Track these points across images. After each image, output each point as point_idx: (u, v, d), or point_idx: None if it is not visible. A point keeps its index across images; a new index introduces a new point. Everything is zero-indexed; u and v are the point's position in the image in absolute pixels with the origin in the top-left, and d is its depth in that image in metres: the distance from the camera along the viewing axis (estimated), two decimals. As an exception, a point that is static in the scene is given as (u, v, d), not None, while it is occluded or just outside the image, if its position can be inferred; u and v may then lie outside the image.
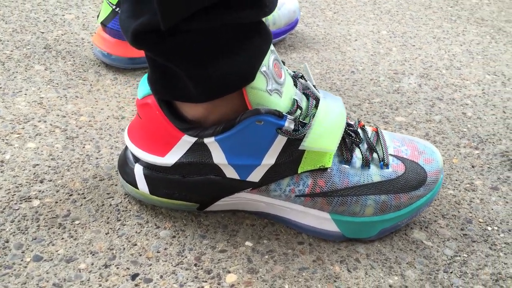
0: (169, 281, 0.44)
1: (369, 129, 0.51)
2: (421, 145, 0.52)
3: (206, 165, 0.47)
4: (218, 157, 0.46)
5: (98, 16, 0.71)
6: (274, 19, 0.80)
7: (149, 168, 0.49)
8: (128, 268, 0.45)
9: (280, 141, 0.45)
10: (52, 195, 0.51)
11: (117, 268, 0.45)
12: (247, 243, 0.49)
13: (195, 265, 0.46)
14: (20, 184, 0.52)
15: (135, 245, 0.47)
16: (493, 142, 0.66)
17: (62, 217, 0.49)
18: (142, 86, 0.48)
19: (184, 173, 0.48)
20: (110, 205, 0.51)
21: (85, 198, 0.52)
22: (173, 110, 0.46)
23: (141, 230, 0.49)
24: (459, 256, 0.49)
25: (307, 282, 0.45)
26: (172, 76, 0.44)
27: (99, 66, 0.73)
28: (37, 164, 0.55)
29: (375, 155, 0.49)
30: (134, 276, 0.44)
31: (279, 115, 0.44)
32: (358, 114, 0.68)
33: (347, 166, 0.48)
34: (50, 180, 0.53)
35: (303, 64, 0.56)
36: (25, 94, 0.66)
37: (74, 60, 0.74)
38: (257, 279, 0.45)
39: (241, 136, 0.44)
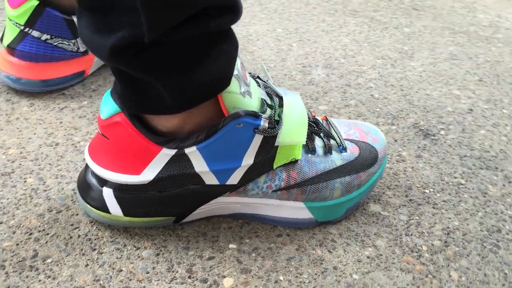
0: None
1: (319, 119, 0.55)
2: (365, 127, 0.57)
3: (186, 176, 0.46)
4: (199, 165, 0.46)
5: (1, 39, 0.66)
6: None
7: (121, 189, 0.47)
8: None
9: (257, 141, 0.46)
10: (10, 238, 0.47)
11: (115, 296, 0.43)
12: (231, 245, 0.49)
13: (189, 277, 0.45)
14: (-31, 232, 0.47)
15: (121, 270, 0.45)
16: (403, 117, 0.74)
17: (31, 259, 0.45)
18: (106, 105, 0.46)
19: (161, 187, 0.47)
20: (79, 236, 0.48)
21: (48, 234, 0.48)
22: (145, 125, 0.45)
23: (122, 255, 0.47)
24: (412, 219, 0.55)
25: (298, 269, 0.47)
26: (146, 90, 0.43)
27: (8, 93, 0.67)
28: (-19, 208, 0.50)
29: (332, 141, 0.53)
30: (136, 301, 0.43)
31: (256, 115, 0.45)
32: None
33: (313, 156, 0.51)
34: (1, 223, 0.48)
35: (260, 64, 0.57)
36: None
37: (-23, 91, 0.67)
38: (252, 277, 0.46)
39: (222, 141, 0.45)
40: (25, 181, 0.54)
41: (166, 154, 0.45)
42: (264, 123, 0.46)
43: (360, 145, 0.54)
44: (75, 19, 0.66)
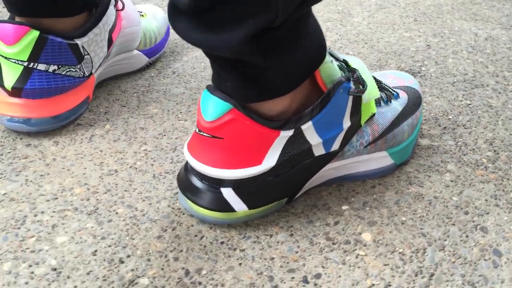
0: (333, 265, 0.46)
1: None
2: (395, 73, 0.63)
3: (301, 153, 0.48)
4: (313, 139, 0.48)
5: (0, 82, 0.60)
6: (158, 30, 0.79)
7: (239, 185, 0.48)
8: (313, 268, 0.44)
9: (350, 103, 0.50)
10: (150, 266, 0.45)
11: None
12: (343, 207, 0.52)
13: (333, 243, 0.48)
14: (104, 276, 0.44)
15: (273, 258, 0.47)
16: (386, 65, 0.81)
17: (186, 276, 0.45)
18: (210, 106, 0.45)
19: (278, 171, 0.48)
20: (211, 243, 0.48)
21: (181, 250, 0.47)
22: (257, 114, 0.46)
23: (262, 246, 0.48)
24: (458, 141, 0.63)
25: (410, 208, 0.52)
26: (258, 76, 0.44)
27: (20, 138, 0.62)
28: (95, 251, 0.47)
29: (386, 92, 0.58)
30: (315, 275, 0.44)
31: (348, 79, 0.49)
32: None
33: (380, 107, 0.55)
34: (129, 256, 0.46)
35: None
36: (-17, 198, 0.52)
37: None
38: (381, 225, 0.50)
39: (331, 109, 0.48)
40: (117, 213, 0.51)
41: (284, 136, 0.47)
42: (353, 85, 0.49)
43: (404, 89, 0.60)
44: (79, 42, 0.62)
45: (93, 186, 0.54)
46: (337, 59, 0.52)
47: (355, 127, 0.51)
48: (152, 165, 0.58)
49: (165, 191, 0.54)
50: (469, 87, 0.74)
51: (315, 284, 0.44)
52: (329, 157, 0.51)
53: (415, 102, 0.59)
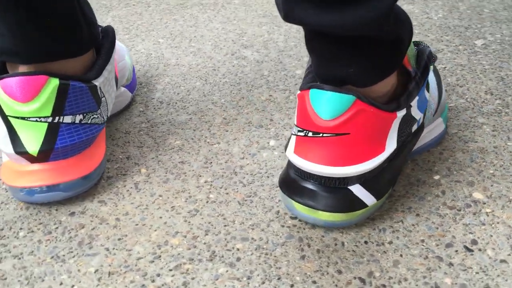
0: (476, 228, 0.47)
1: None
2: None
3: (409, 131, 0.49)
4: (417, 114, 0.49)
5: (20, 149, 0.49)
6: (130, 61, 0.72)
7: (364, 178, 0.46)
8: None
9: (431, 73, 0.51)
10: (334, 284, 0.42)
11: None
12: (436, 177, 0.54)
13: (458, 210, 0.49)
14: None
15: (423, 241, 0.46)
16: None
17: (361, 282, 0.42)
18: (331, 103, 0.43)
19: (391, 156, 0.48)
20: (364, 254, 0.46)
21: (348, 266, 0.44)
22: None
23: (415, 235, 0.47)
24: (468, 99, 0.68)
25: (490, 162, 0.56)
26: (383, 52, 0.44)
27: (56, 210, 0.51)
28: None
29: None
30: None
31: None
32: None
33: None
34: (293, 285, 0.42)
35: None
36: (71, 284, 0.43)
37: (27, 228, 0.49)
38: (479, 181, 0.53)
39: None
40: (238, 249, 0.46)
41: (399, 117, 0.46)
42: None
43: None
44: (97, 83, 0.53)
45: (187, 232, 0.48)
46: None
47: (425, 95, 0.53)
48: (227, 193, 0.53)
49: (265, 213, 0.50)
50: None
51: (480, 250, 0.45)
52: (420, 131, 0.52)
53: (434, 67, 0.63)
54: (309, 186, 0.46)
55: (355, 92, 0.43)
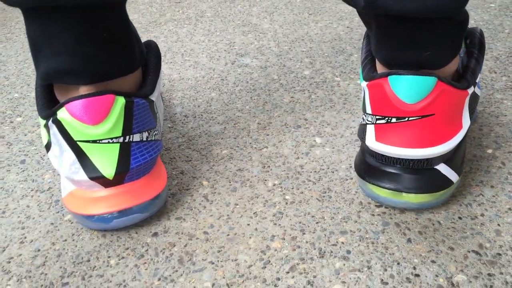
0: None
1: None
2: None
3: (475, 105, 0.51)
4: (478, 89, 0.52)
5: (94, 174, 0.46)
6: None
7: (448, 157, 0.48)
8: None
9: None
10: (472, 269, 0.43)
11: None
12: (489, 151, 0.57)
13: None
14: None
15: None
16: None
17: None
18: (414, 87, 0.44)
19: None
20: (466, 237, 0.47)
21: (439, 253, 0.45)
22: None
23: (499, 215, 0.49)
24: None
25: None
26: (456, 31, 0.46)
27: (136, 233, 0.49)
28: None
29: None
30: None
31: None
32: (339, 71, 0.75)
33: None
34: (429, 269, 0.43)
35: None
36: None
37: (113, 258, 0.46)
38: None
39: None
40: (343, 243, 0.46)
41: (469, 95, 0.49)
42: None
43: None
44: (153, 99, 0.52)
45: (283, 234, 0.47)
46: None
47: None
48: (302, 193, 0.53)
49: (349, 205, 0.50)
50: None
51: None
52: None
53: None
54: (395, 171, 0.47)
55: (434, 73, 0.45)
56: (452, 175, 0.48)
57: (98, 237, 0.48)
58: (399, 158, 0.47)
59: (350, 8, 1.05)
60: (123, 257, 0.46)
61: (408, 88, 0.44)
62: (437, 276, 0.42)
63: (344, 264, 0.43)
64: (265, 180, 0.55)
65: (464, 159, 0.51)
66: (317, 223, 0.48)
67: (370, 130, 0.48)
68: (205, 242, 0.47)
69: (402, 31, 0.45)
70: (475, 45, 0.51)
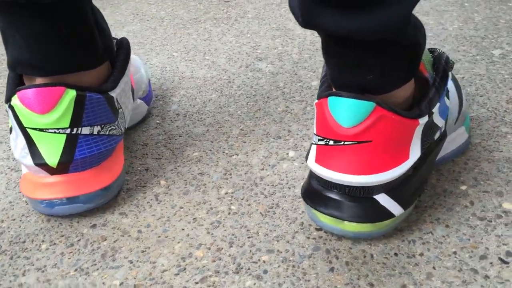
0: (509, 239, 0.46)
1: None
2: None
3: (432, 138, 0.48)
4: (439, 120, 0.48)
5: (38, 159, 0.48)
6: (146, 73, 0.71)
7: (390, 187, 0.45)
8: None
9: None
10: (354, 300, 0.40)
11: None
12: (463, 187, 0.53)
13: (488, 221, 0.48)
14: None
15: (455, 252, 0.45)
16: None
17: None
18: (351, 110, 0.42)
19: (416, 164, 0.47)
20: (394, 264, 0.44)
21: (368, 274, 0.43)
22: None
23: (442, 246, 0.46)
24: (489, 108, 0.67)
25: None
26: (404, 56, 0.43)
27: (77, 222, 0.50)
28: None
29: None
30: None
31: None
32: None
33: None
34: (322, 299, 0.41)
35: None
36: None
37: (49, 241, 0.48)
38: (509, 191, 0.51)
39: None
40: (264, 262, 0.44)
41: (421, 124, 0.45)
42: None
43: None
44: (113, 95, 0.53)
45: (211, 244, 0.47)
46: None
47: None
48: (249, 205, 0.52)
49: (288, 225, 0.49)
50: (450, 64, 0.80)
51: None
52: (443, 138, 0.51)
53: (452, 75, 0.62)
54: (334, 196, 0.45)
55: (375, 98, 0.43)
56: (394, 207, 0.45)
57: (43, 220, 0.51)
58: (335, 183, 0.45)
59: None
60: (54, 244, 0.48)
61: (344, 111, 0.42)
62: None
63: (255, 284, 0.42)
64: (220, 188, 0.54)
65: (419, 192, 0.48)
66: (249, 237, 0.47)
67: (313, 150, 0.46)
68: (135, 241, 0.47)
69: (344, 52, 0.43)
70: (439, 72, 0.48)
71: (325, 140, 0.44)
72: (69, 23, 0.48)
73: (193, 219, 0.50)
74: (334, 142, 0.44)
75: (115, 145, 0.53)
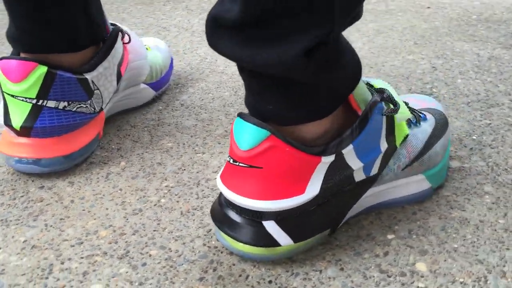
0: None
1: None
2: (415, 97, 0.62)
3: (344, 179, 0.46)
4: (354, 163, 0.46)
5: (6, 121, 0.55)
6: (164, 63, 0.76)
7: (282, 217, 0.45)
8: None
9: (384, 124, 0.47)
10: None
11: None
12: (389, 236, 0.50)
13: (388, 276, 0.45)
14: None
15: (326, 296, 0.43)
16: (397, 87, 0.80)
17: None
18: (245, 134, 0.42)
19: (320, 200, 0.46)
20: (258, 282, 0.44)
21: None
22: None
23: (313, 282, 0.45)
24: (489, 162, 0.61)
25: (458, 233, 0.50)
26: (302, 97, 0.42)
27: (32, 180, 0.57)
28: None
29: (413, 113, 0.56)
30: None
31: (381, 99, 0.47)
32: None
33: (412, 129, 0.53)
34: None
35: None
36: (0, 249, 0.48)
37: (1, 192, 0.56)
38: (433, 255, 0.47)
39: (370, 130, 0.46)
40: (150, 255, 0.47)
41: (325, 162, 0.44)
42: (386, 105, 0.47)
43: (429, 111, 0.58)
44: (88, 76, 0.58)
45: (119, 228, 0.50)
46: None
47: (392, 149, 0.49)
48: (177, 201, 0.54)
49: (197, 228, 0.50)
50: (485, 106, 0.74)
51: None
52: (370, 182, 0.49)
53: (442, 123, 0.57)
54: (231, 214, 0.46)
55: (273, 127, 0.42)
56: (283, 238, 0.45)
57: (9, 173, 0.58)
58: (230, 201, 0.46)
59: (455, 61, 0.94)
60: (2, 194, 0.55)
61: (242, 133, 0.43)
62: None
63: (127, 272, 0.45)
64: (165, 180, 0.58)
65: (322, 228, 0.47)
66: (154, 230, 0.50)
67: (224, 166, 0.47)
68: (62, 208, 0.53)
69: (248, 77, 0.43)
70: (361, 115, 0.46)
71: (230, 158, 0.45)
72: (55, 8, 0.54)
73: (122, 202, 0.54)
74: (233, 161, 0.44)
75: (83, 121, 0.58)
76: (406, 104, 0.55)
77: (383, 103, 0.47)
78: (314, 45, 0.37)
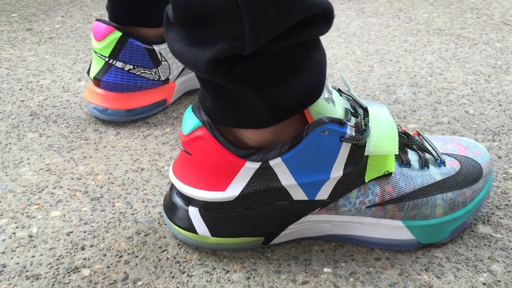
0: None
1: (410, 133, 0.51)
2: (463, 141, 0.53)
3: (272, 191, 0.44)
4: (286, 178, 0.43)
5: (88, 72, 0.67)
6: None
7: (207, 208, 0.45)
8: None
9: (345, 150, 0.43)
10: (101, 261, 0.46)
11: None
12: (325, 269, 0.46)
13: (283, 302, 0.42)
14: (60, 256, 0.47)
15: (211, 295, 0.43)
16: (505, 133, 0.68)
17: (121, 281, 0.44)
18: (188, 120, 0.44)
19: (248, 205, 0.45)
20: (167, 258, 0.46)
21: (137, 256, 0.47)
22: (229, 138, 0.44)
23: (212, 278, 0.44)
24: (529, 241, 0.49)
25: (403, 296, 0.43)
26: (238, 103, 0.41)
27: (95, 123, 0.69)
28: (71, 232, 0.50)
29: (428, 155, 0.48)
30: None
31: (341, 123, 0.42)
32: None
33: (408, 169, 0.46)
34: (92, 246, 0.48)
35: (340, 76, 0.57)
36: (28, 163, 0.60)
37: (67, 122, 0.69)
38: (352, 303, 0.42)
39: (307, 150, 0.42)
40: (113, 205, 0.53)
41: (250, 167, 0.43)
42: (350, 131, 0.43)
43: (460, 159, 0.49)
44: (156, 48, 0.66)
45: (114, 177, 0.58)
46: (353, 106, 0.46)
47: (353, 180, 0.45)
48: (136, 188, 0.57)
49: (113, 214, 0.53)
50: None
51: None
52: (314, 205, 0.45)
53: (468, 177, 0.48)
54: (172, 195, 0.49)
55: (208, 121, 0.43)
56: (201, 227, 0.46)
57: (87, 114, 0.71)
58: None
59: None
60: (48, 126, 0.68)
61: (185, 119, 0.46)
62: None
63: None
64: (119, 168, 0.63)
65: (244, 232, 0.46)
66: (136, 188, 0.56)
67: None
68: (92, 149, 0.63)
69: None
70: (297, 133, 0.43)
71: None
72: None
73: (136, 159, 0.61)
74: (180, 145, 0.47)
75: (143, 85, 0.67)
76: (408, 138, 0.48)
77: (346, 128, 0.43)
78: (225, 57, 0.38)
